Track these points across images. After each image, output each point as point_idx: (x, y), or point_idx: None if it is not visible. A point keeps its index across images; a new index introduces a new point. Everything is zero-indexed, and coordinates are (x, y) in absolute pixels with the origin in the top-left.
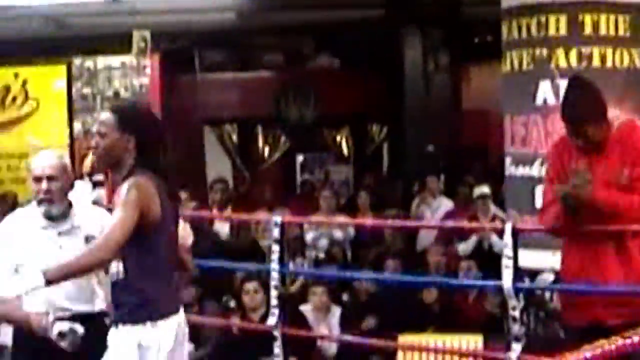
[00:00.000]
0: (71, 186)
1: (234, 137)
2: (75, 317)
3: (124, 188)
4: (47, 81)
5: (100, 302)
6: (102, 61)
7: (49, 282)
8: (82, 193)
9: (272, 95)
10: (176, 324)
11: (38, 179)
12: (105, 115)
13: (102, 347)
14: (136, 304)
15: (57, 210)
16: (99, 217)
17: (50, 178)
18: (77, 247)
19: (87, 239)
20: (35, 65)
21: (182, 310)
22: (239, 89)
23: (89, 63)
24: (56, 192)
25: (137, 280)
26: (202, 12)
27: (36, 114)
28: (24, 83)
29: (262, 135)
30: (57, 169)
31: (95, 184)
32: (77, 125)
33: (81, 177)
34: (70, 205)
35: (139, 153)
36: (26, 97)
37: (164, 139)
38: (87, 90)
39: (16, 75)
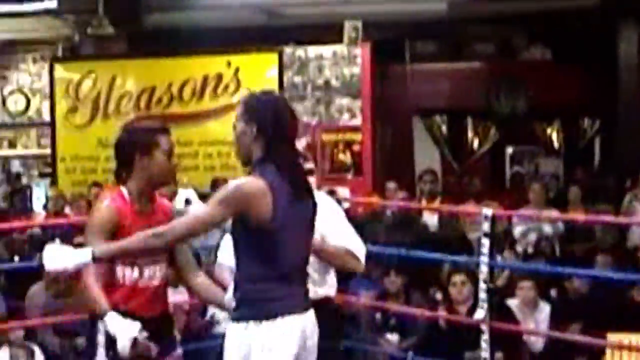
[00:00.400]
0: None
1: (443, 128)
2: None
3: (225, 186)
4: (259, 70)
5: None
6: (313, 50)
7: (95, 259)
8: None
9: (483, 86)
10: (292, 326)
11: None
12: (237, 108)
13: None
14: (241, 302)
15: None
16: (327, 205)
17: None
18: None
19: None
20: (248, 54)
21: (306, 314)
22: (449, 80)
23: (300, 52)
24: None
25: (245, 279)
26: (413, 2)
27: None
28: (236, 71)
29: (471, 126)
30: None
31: (306, 172)
32: None
33: None
34: None
35: (264, 145)
36: (238, 85)
37: (292, 133)
38: (298, 79)
39: (229, 64)
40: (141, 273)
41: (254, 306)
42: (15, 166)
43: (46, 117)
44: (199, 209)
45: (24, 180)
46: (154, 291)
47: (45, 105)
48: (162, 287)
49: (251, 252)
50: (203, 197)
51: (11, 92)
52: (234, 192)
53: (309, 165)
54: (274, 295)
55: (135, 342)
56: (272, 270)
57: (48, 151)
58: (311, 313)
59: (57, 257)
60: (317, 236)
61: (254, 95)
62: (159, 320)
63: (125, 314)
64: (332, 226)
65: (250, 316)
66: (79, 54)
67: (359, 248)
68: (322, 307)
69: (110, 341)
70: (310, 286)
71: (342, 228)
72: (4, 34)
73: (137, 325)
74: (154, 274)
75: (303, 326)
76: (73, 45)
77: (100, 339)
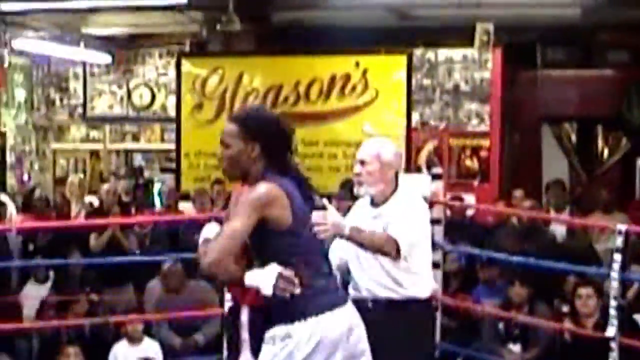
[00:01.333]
0: (387, 174)
1: (573, 137)
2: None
3: (246, 194)
4: (387, 71)
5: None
6: (443, 53)
7: None
8: (417, 185)
9: (614, 94)
10: (340, 318)
11: (356, 162)
12: (229, 126)
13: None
14: (275, 306)
15: (365, 192)
16: (406, 210)
17: (362, 162)
18: None
19: (385, 228)
20: (377, 55)
21: (347, 314)
22: (580, 87)
23: (430, 54)
24: (365, 175)
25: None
26: (547, 7)
27: (375, 104)
28: (365, 72)
29: (601, 135)
30: (369, 155)
31: (434, 177)
32: (415, 117)
33: (418, 169)
34: (390, 192)
35: (266, 159)
36: (366, 86)
37: (290, 142)
38: (426, 82)
39: (357, 64)
40: None
41: (299, 305)
42: (138, 160)
43: (171, 112)
44: (229, 225)
45: (147, 175)
46: None
47: (170, 100)
48: None
49: (282, 256)
50: (328, 198)
51: (137, 86)
52: (259, 199)
53: (437, 170)
54: (313, 292)
55: (279, 276)
56: (308, 269)
57: (171, 146)
58: (351, 305)
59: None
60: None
61: (249, 114)
62: None
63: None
64: (392, 222)
65: (278, 319)
66: (207, 49)
67: (400, 237)
68: (410, 306)
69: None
70: (394, 286)
71: (399, 223)
72: (132, 28)
73: (275, 266)
74: None
75: (350, 317)
76: (200, 40)
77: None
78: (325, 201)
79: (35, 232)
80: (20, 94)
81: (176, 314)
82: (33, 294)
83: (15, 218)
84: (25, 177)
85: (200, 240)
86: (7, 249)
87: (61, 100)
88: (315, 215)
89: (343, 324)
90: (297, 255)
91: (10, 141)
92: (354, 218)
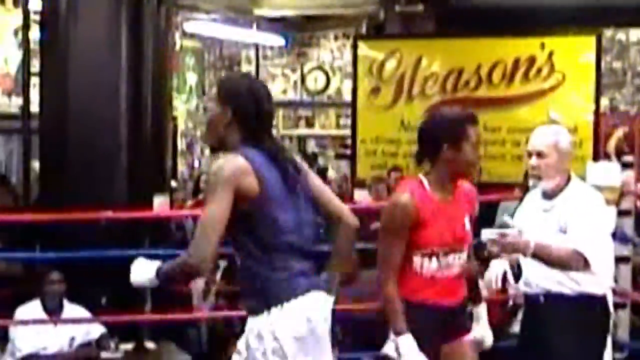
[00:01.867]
0: (564, 164)
1: None
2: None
3: (208, 176)
4: (574, 53)
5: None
6: (635, 34)
7: (157, 277)
8: (606, 174)
9: None
10: (301, 309)
11: (529, 154)
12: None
13: None
14: (249, 292)
15: (544, 186)
16: (582, 205)
17: (539, 154)
18: (552, 228)
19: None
20: (563, 36)
21: (320, 295)
22: None
23: (620, 35)
24: (544, 168)
25: (249, 266)
26: None
27: (561, 88)
28: (550, 54)
29: None
30: (547, 146)
31: (624, 165)
32: (604, 101)
33: (606, 156)
34: (564, 184)
35: (241, 129)
36: (552, 69)
37: (268, 112)
38: (616, 65)
39: (542, 46)
40: (439, 263)
41: (268, 291)
42: (312, 146)
43: (346, 96)
44: (204, 213)
45: (321, 162)
46: (452, 279)
47: (346, 84)
48: (460, 275)
49: (250, 237)
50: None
51: (311, 70)
52: (219, 174)
53: (628, 158)
54: (283, 276)
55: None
56: (269, 253)
57: (347, 132)
58: (326, 295)
59: (138, 270)
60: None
61: (231, 78)
62: (457, 309)
63: (422, 304)
64: (571, 222)
65: (269, 303)
66: (384, 32)
67: (585, 245)
68: (584, 303)
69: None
70: (568, 282)
71: (580, 225)
72: (307, 10)
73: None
74: (453, 261)
75: (322, 304)
76: (377, 22)
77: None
78: (507, 218)
79: None
80: (191, 78)
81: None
82: (201, 284)
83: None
84: (196, 164)
85: None
86: (184, 236)
87: None
88: (495, 233)
89: (316, 309)
90: (266, 235)
91: (181, 126)
92: (525, 213)
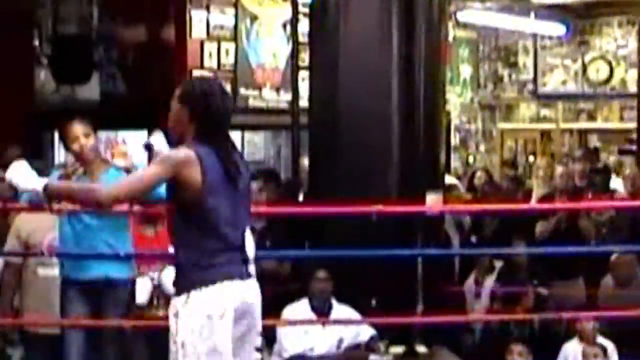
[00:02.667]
0: None
1: None
2: None
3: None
4: None
5: None
6: None
7: (46, 192)
8: None
9: None
10: (231, 291)
11: None
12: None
13: None
14: (177, 273)
15: None
16: None
17: None
18: None
19: None
20: None
21: (245, 283)
22: None
23: None
24: None
25: (183, 249)
26: None
27: None
28: None
29: None
30: None
31: None
32: None
33: None
34: None
35: (197, 128)
36: None
37: (221, 118)
38: None
39: None
40: None
41: (192, 275)
42: (594, 141)
43: (631, 87)
44: (140, 170)
45: (603, 157)
46: None
47: (630, 74)
48: None
49: (187, 224)
50: None
51: (593, 60)
52: (167, 157)
53: None
54: (210, 262)
55: None
56: (208, 240)
57: (631, 125)
58: (253, 282)
59: (21, 175)
60: None
61: (191, 80)
62: None
63: None
64: None
65: (191, 285)
66: None
67: None
68: None
69: None
70: None
71: None
72: None
73: None
74: None
75: (242, 293)
76: None
77: None
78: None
79: (481, 218)
80: (465, 70)
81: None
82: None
83: None
84: (471, 160)
85: None
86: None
87: (509, 76)
88: None
89: (236, 297)
90: (201, 225)
91: (454, 121)
92: None
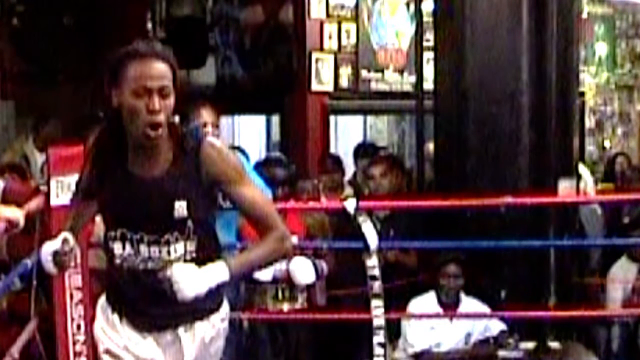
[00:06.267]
0: None
1: None
2: None
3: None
4: None
5: None
6: None
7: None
8: None
9: None
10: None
11: None
12: None
13: None
14: None
15: None
16: None
17: None
18: None
19: None
20: None
21: None
22: None
23: None
24: None
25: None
26: None
27: None
28: None
29: None
30: None
31: None
32: None
33: None
34: None
35: None
36: None
37: None
38: None
39: None
40: None
41: None
42: None
43: None
44: (259, 195)
45: None
46: None
47: None
48: None
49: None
50: None
51: None
52: (238, 159)
53: None
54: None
55: None
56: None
57: None
58: None
59: (192, 281)
60: None
61: None
62: None
63: None
64: None
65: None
66: None
67: None
68: None
69: None
70: None
71: None
72: None
73: None
74: None
75: None
76: None
77: None
78: None
79: (620, 207)
80: (601, 49)
81: None
82: (620, 277)
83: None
84: (607, 144)
85: None
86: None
87: None
88: None
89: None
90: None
91: (589, 102)
92: None
